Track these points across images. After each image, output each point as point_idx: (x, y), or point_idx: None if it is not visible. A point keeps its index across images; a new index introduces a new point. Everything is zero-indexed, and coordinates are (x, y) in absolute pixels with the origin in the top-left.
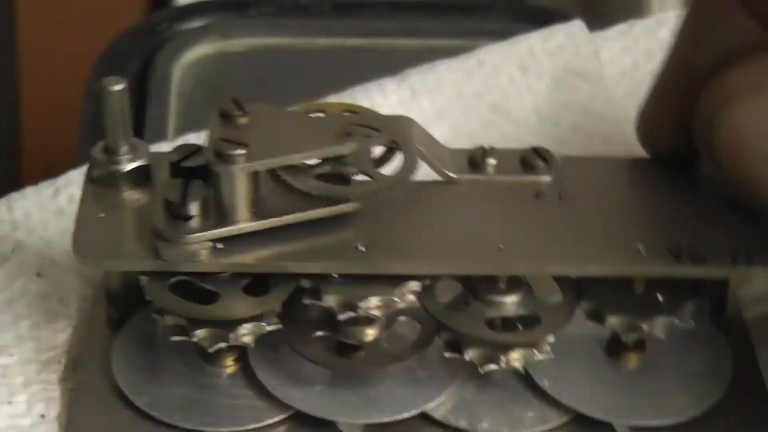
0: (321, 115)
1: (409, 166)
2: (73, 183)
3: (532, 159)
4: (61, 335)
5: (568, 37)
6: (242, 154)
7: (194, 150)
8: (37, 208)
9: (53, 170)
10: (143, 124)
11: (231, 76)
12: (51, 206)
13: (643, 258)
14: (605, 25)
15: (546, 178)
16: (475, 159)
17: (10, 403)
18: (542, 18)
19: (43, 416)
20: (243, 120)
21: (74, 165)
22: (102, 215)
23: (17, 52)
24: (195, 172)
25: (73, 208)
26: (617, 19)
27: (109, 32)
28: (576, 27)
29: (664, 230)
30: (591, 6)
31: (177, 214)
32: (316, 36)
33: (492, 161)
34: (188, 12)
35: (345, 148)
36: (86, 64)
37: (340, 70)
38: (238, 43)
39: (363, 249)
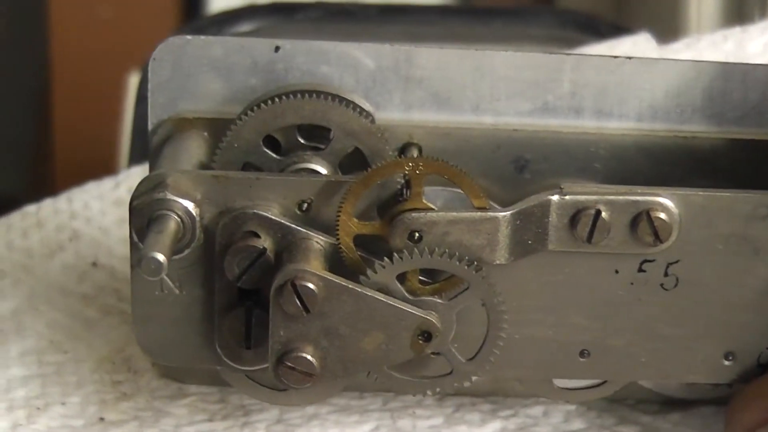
0: None
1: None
2: (133, 176)
3: (643, 227)
4: (114, 332)
5: (634, 45)
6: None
7: (256, 257)
8: (96, 200)
9: (85, 172)
10: None
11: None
12: (110, 197)
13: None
14: (637, 28)
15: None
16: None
17: (63, 404)
18: (588, 24)
19: (102, 419)
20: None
21: (111, 168)
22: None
23: (50, 55)
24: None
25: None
26: (650, 22)
27: (140, 33)
28: (643, 38)
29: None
30: (624, 9)
31: (238, 345)
32: (362, 40)
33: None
34: (236, 16)
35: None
36: (117, 65)
37: None
38: None
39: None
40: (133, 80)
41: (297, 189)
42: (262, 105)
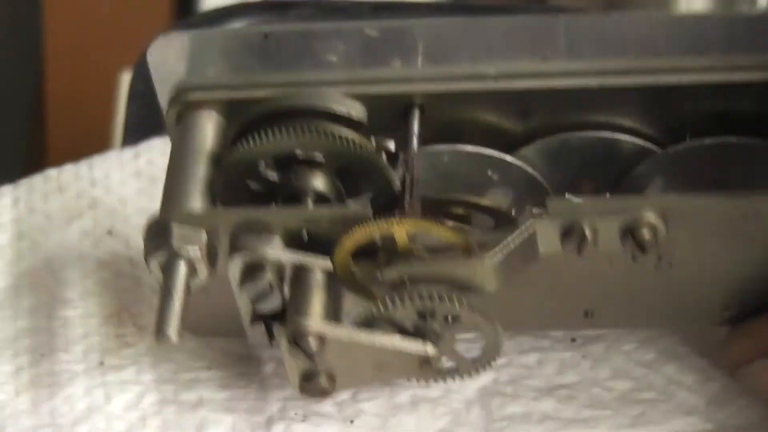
0: None
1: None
2: (154, 148)
3: (635, 235)
4: (125, 293)
5: None
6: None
7: (263, 293)
8: (116, 169)
9: None
10: None
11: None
12: (130, 167)
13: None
14: None
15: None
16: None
17: (66, 351)
18: None
19: (102, 363)
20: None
21: None
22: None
23: (43, 52)
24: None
25: (150, 171)
26: None
27: (132, 32)
28: None
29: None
30: (614, 6)
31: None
32: None
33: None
34: (228, 13)
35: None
36: (111, 63)
37: None
38: None
39: None
40: (126, 78)
41: (294, 222)
42: (257, 136)
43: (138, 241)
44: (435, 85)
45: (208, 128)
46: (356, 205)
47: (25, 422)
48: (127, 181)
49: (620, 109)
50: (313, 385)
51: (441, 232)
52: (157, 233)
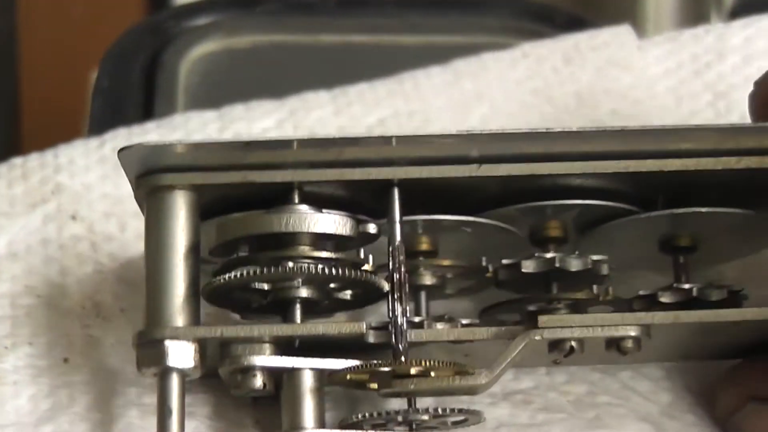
0: None
1: None
2: (119, 136)
3: (619, 346)
4: (88, 280)
5: (614, 35)
6: None
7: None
8: (81, 156)
9: None
10: (152, 118)
11: (237, 73)
12: (95, 155)
13: None
14: (600, 21)
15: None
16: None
17: (30, 344)
18: (543, 15)
19: (66, 360)
20: None
21: None
22: None
23: (18, 51)
24: None
25: (115, 158)
26: (612, 16)
27: (106, 29)
28: (623, 29)
29: None
30: (586, 2)
31: None
32: (320, 33)
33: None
34: (195, 9)
35: None
36: (84, 60)
37: (344, 66)
38: (243, 40)
39: None
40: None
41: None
42: (235, 275)
43: (101, 226)
44: (416, 169)
45: (180, 215)
46: (350, 324)
47: None
48: (91, 167)
49: (598, 184)
50: None
51: (439, 380)
52: (150, 349)
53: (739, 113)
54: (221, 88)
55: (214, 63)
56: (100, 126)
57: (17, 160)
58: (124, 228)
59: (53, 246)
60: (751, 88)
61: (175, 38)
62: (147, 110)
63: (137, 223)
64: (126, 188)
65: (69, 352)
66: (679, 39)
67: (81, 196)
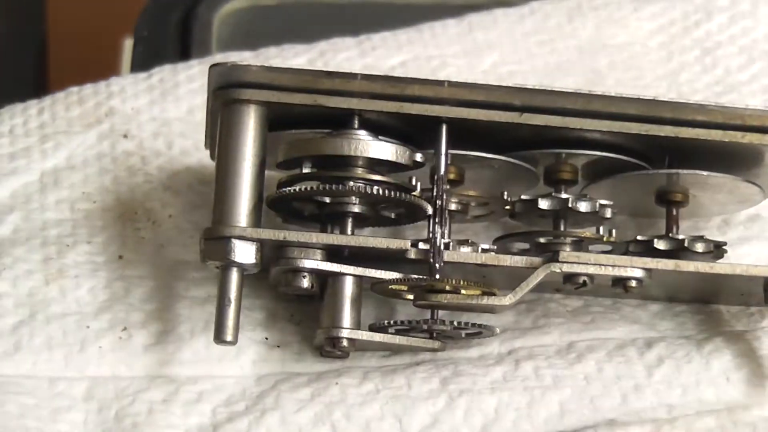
0: None
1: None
2: (164, 70)
3: (625, 285)
4: (138, 189)
5: None
6: None
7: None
8: (131, 85)
9: None
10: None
11: (264, 28)
12: (143, 84)
13: None
14: None
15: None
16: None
17: (89, 242)
18: None
19: (121, 257)
20: None
21: None
22: None
23: (46, 22)
24: None
25: (162, 86)
26: None
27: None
28: None
29: None
30: None
31: None
32: None
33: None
34: None
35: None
36: (113, 31)
37: (366, 24)
38: None
39: None
40: (128, 44)
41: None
42: (300, 188)
43: (150, 143)
44: (466, 111)
45: (252, 127)
46: (396, 240)
47: (54, 309)
48: (140, 94)
49: (616, 140)
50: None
51: (468, 298)
52: (216, 245)
53: (724, 68)
54: (250, 42)
55: (244, 18)
56: (142, 68)
57: (73, 88)
58: (171, 146)
59: (107, 159)
60: (735, 45)
61: None
62: (184, 57)
63: (183, 141)
64: (172, 112)
65: (123, 251)
66: None
67: (131, 118)
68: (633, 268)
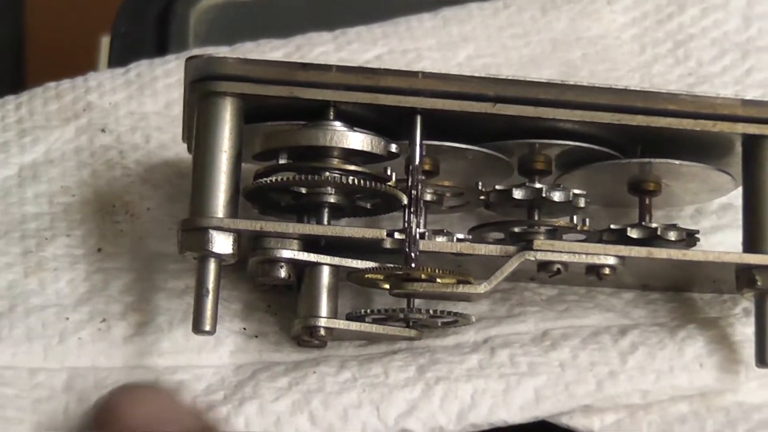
0: None
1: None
2: (141, 65)
3: (598, 272)
4: (117, 182)
5: None
6: None
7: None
8: (109, 80)
9: None
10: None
11: (241, 23)
12: (121, 79)
13: None
14: None
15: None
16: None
17: (68, 235)
18: None
19: (100, 249)
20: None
21: None
22: None
23: (23, 19)
24: None
25: (139, 81)
26: None
27: None
28: None
29: None
30: None
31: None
32: None
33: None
34: None
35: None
36: (90, 29)
37: (343, 18)
38: None
39: None
40: (105, 42)
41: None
42: (276, 179)
43: (128, 137)
44: (440, 101)
45: (227, 119)
46: (372, 230)
47: (33, 301)
48: (118, 89)
49: (588, 130)
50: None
51: (444, 286)
52: (194, 236)
53: (696, 59)
54: (227, 37)
55: (221, 13)
56: (119, 64)
57: (50, 84)
58: (149, 139)
59: (85, 153)
60: (707, 38)
61: None
62: (161, 53)
63: (160, 135)
64: (149, 107)
65: (102, 243)
66: None
67: (109, 113)
68: (606, 255)
